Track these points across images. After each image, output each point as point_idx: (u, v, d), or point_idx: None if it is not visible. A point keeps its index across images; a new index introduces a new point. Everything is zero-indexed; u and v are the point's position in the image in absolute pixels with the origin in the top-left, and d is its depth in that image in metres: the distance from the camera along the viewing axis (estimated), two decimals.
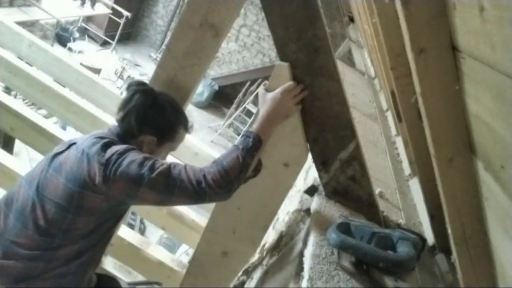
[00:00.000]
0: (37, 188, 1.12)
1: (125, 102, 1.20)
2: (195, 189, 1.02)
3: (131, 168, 1.04)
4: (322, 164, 1.22)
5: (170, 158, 1.57)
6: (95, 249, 1.22)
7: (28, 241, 1.11)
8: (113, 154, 1.06)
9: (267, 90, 1.15)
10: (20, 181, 1.21)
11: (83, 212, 1.10)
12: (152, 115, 1.20)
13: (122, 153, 1.07)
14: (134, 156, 1.07)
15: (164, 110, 1.22)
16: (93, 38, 9.15)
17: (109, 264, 2.09)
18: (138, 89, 1.20)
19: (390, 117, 2.47)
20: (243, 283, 1.56)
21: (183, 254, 3.69)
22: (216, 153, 2.84)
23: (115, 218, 1.23)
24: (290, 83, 1.11)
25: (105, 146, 1.09)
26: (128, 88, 1.22)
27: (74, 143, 1.16)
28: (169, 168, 1.05)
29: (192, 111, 8.43)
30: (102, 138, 1.14)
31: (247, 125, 8.00)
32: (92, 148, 1.09)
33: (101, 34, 8.98)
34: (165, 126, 1.24)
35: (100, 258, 1.32)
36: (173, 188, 1.03)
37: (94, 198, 1.08)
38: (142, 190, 1.03)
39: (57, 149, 1.20)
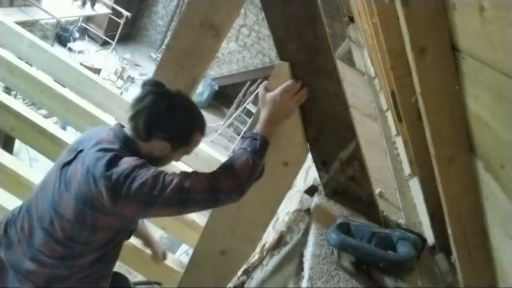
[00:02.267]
0: (52, 203, 1.11)
1: (137, 102, 1.12)
2: (209, 198, 1.03)
3: (142, 191, 1.00)
4: (322, 164, 1.22)
5: None
6: (114, 250, 1.26)
7: (51, 250, 1.13)
8: (119, 177, 1.01)
9: (267, 89, 1.15)
10: (37, 188, 1.21)
11: (97, 230, 1.11)
12: (165, 119, 1.11)
13: (128, 175, 1.01)
14: (143, 176, 1.01)
15: (179, 114, 1.13)
16: (93, 38, 9.15)
17: None
18: (151, 89, 1.12)
19: (390, 117, 2.47)
20: (243, 283, 1.56)
21: (183, 254, 3.69)
22: (216, 153, 2.84)
23: (130, 227, 1.28)
24: (288, 82, 1.11)
25: (110, 164, 1.03)
26: (142, 86, 1.14)
27: (81, 151, 1.11)
28: (181, 181, 1.02)
29: None
30: (107, 150, 1.07)
31: (247, 125, 8.00)
32: (97, 166, 1.03)
33: (101, 34, 8.98)
34: (180, 131, 1.15)
35: (119, 253, 1.33)
36: (186, 201, 1.02)
37: (106, 218, 1.08)
38: (155, 209, 1.03)
39: (66, 156, 1.15)
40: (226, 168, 1.06)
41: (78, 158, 1.10)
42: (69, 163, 1.12)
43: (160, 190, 1.00)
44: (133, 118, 1.12)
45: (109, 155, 1.05)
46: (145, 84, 1.14)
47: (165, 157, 1.17)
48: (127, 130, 1.15)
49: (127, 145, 1.12)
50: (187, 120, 1.16)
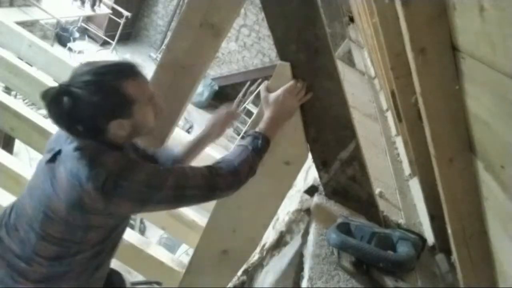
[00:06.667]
0: (42, 205, 1.06)
1: (55, 115, 1.00)
2: (204, 194, 1.03)
3: (136, 189, 0.97)
4: (322, 164, 1.22)
5: None
6: (111, 246, 1.24)
7: (47, 251, 1.10)
8: (108, 176, 0.95)
9: (269, 89, 1.15)
10: (24, 192, 1.16)
11: (91, 229, 1.08)
12: (86, 110, 0.98)
13: (119, 174, 0.96)
14: (135, 175, 0.97)
15: (91, 97, 0.98)
16: (93, 38, 9.15)
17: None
18: (60, 90, 1.00)
19: (390, 117, 2.47)
20: (243, 283, 1.56)
21: (183, 254, 3.69)
22: (216, 153, 2.84)
23: (126, 222, 1.25)
24: (291, 82, 1.11)
25: (93, 163, 0.96)
26: (44, 98, 1.01)
27: (59, 152, 1.04)
28: (176, 179, 1.00)
29: (192, 111, 8.43)
30: (83, 149, 0.99)
31: (247, 125, 7.99)
32: (80, 169, 0.96)
33: (101, 34, 8.98)
34: (108, 105, 1.00)
35: (115, 249, 1.30)
36: (182, 198, 1.02)
37: (99, 218, 1.05)
38: (151, 206, 1.02)
39: (46, 156, 1.09)
40: (226, 164, 1.05)
41: (59, 160, 1.03)
42: (50, 162, 1.05)
43: (155, 187, 0.98)
44: (74, 132, 1.02)
45: (88, 156, 0.98)
46: (45, 96, 1.01)
47: (134, 127, 1.05)
48: None
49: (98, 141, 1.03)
50: (104, 91, 0.99)
